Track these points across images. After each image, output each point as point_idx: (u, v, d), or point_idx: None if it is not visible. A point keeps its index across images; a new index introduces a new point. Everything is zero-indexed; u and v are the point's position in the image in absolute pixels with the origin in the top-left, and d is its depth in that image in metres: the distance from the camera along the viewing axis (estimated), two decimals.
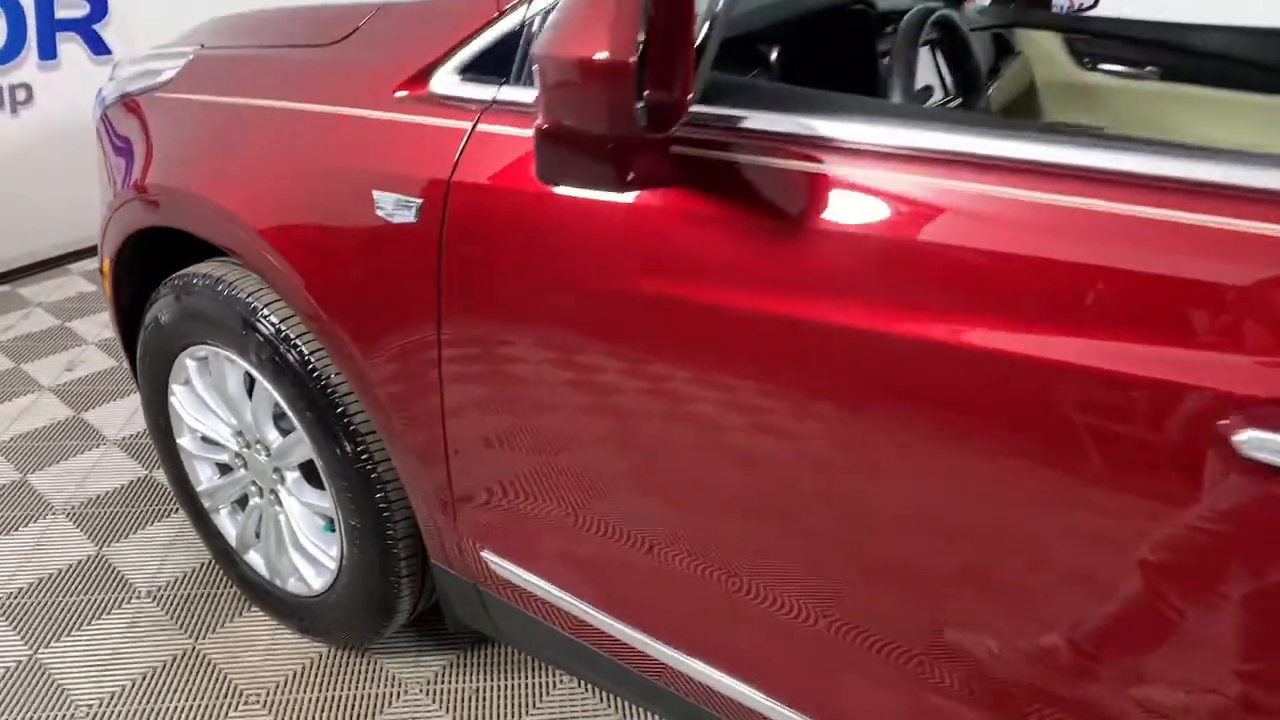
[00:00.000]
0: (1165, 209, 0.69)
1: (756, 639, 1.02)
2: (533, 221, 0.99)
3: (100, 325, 2.69)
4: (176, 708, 1.47)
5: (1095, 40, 2.01)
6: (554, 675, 1.54)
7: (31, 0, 2.67)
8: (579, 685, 1.52)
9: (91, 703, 1.48)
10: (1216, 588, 0.71)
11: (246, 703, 1.49)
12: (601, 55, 0.73)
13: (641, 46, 0.74)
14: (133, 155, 1.49)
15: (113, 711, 1.46)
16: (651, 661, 1.12)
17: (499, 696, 1.51)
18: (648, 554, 1.06)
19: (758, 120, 0.87)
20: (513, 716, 1.46)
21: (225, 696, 1.50)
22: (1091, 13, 2.43)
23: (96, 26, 2.89)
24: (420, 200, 1.05)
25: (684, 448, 0.96)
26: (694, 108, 0.81)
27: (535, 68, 0.79)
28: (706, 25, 0.83)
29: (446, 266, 1.05)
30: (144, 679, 1.52)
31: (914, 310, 0.78)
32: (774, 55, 1.22)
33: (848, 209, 0.82)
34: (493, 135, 1.01)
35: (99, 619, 1.64)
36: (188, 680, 1.52)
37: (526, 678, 1.54)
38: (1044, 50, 2.06)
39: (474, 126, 1.02)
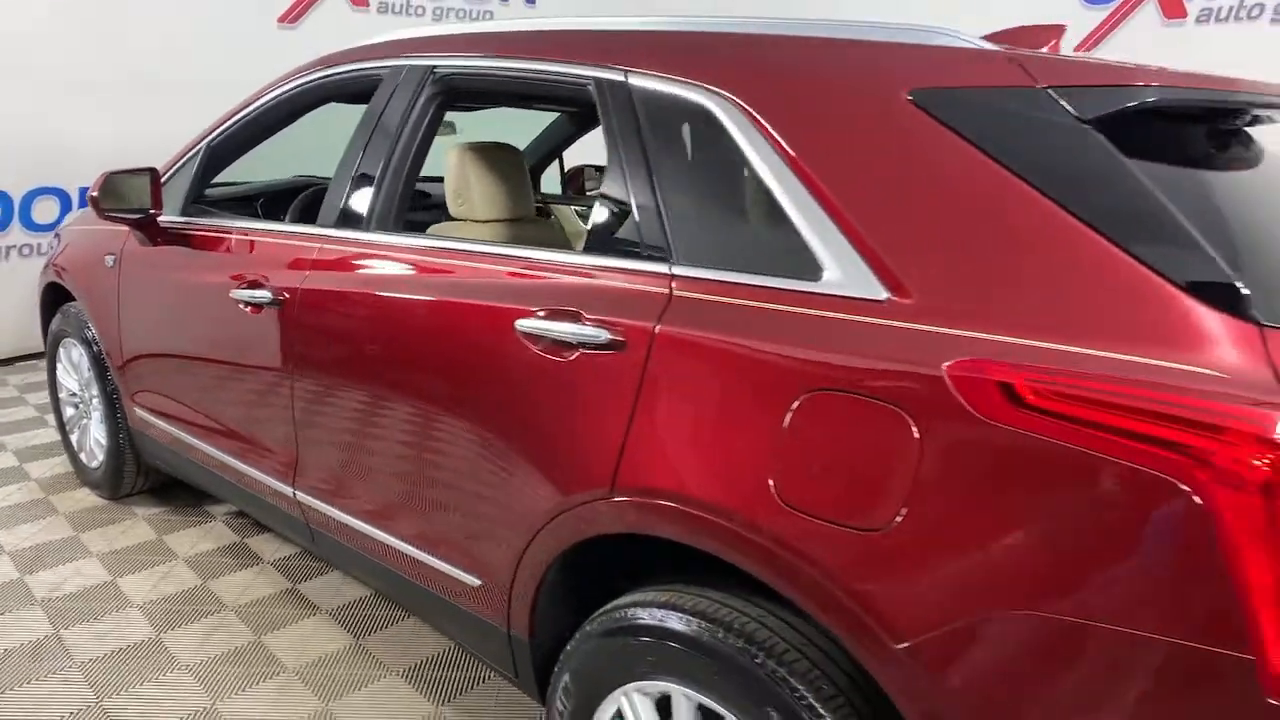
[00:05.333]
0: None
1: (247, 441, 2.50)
2: (145, 257, 2.63)
3: None
4: None
5: None
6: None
7: (76, 194, 4.66)
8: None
9: None
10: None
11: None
12: (91, 194, 2.41)
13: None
14: (55, 251, 3.25)
15: None
16: (229, 469, 2.58)
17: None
18: (202, 400, 2.56)
19: (205, 220, 2.50)
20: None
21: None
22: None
23: None
24: (113, 256, 2.72)
25: (202, 336, 2.50)
26: (183, 217, 2.49)
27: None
28: (188, 191, 2.51)
29: (121, 286, 2.70)
30: None
31: (236, 269, 2.33)
32: (259, 203, 2.92)
33: (226, 246, 2.42)
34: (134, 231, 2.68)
35: None
36: None
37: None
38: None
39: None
